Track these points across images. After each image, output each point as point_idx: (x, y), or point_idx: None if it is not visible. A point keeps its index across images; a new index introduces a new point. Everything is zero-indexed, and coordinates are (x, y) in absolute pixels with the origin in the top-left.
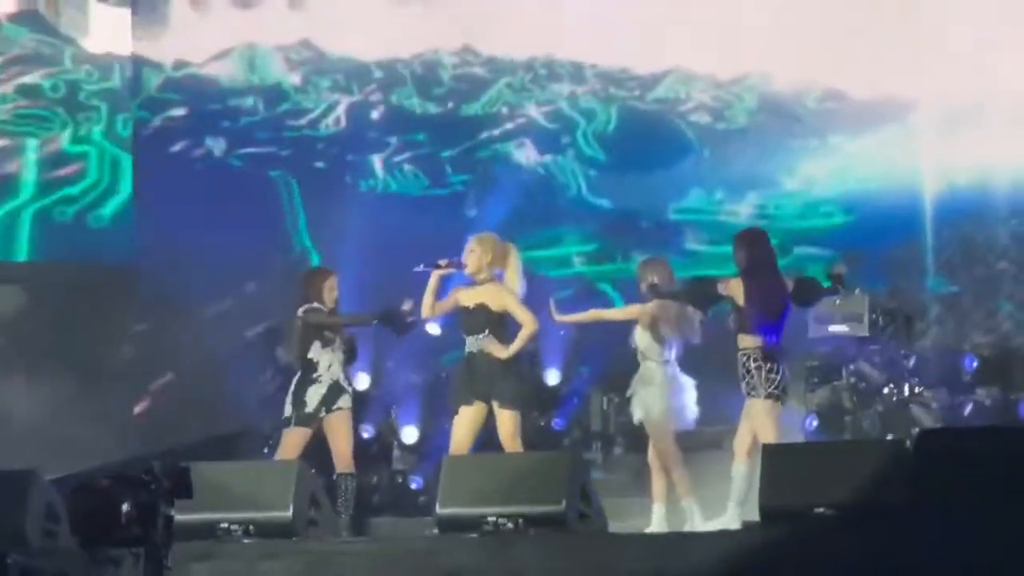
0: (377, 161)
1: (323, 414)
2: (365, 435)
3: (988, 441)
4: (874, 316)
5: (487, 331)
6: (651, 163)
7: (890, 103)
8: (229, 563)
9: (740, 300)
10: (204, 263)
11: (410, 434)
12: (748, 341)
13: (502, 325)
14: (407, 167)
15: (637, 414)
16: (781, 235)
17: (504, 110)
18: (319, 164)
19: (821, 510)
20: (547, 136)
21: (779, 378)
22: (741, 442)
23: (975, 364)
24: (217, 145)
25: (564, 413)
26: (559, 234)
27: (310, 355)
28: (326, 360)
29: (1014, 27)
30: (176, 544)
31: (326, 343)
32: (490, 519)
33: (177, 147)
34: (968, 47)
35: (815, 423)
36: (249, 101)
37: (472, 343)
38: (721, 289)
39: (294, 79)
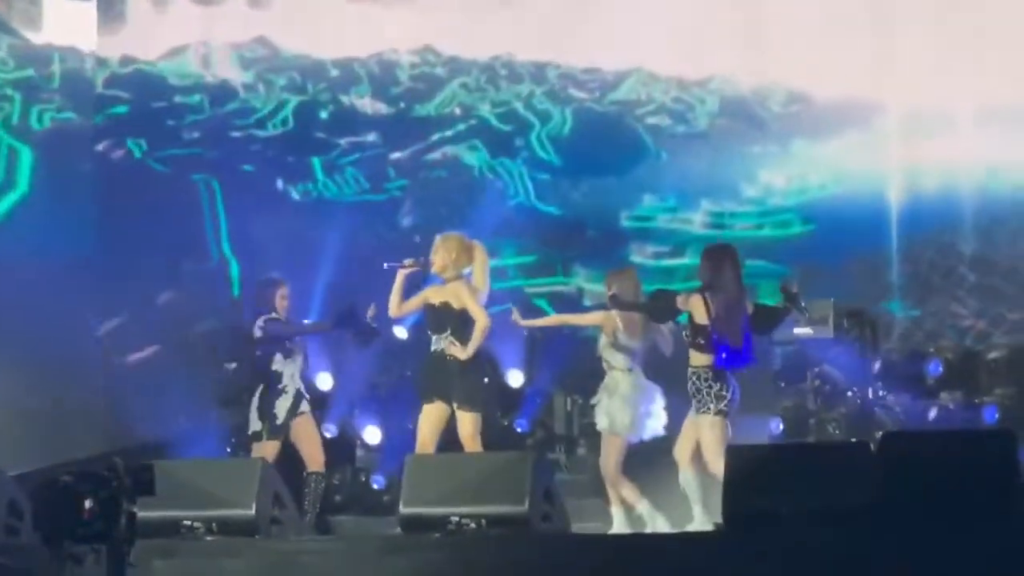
0: (321, 163)
1: (290, 422)
2: (328, 435)
3: (951, 445)
4: (839, 320)
5: (449, 330)
6: (605, 167)
7: (855, 107)
8: (191, 560)
9: (697, 316)
10: (109, 271)
11: (372, 434)
12: (700, 359)
13: (465, 324)
14: (350, 170)
15: (602, 422)
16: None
17: (457, 111)
18: (247, 167)
19: (785, 512)
20: (499, 138)
21: (729, 396)
22: (682, 452)
23: (940, 369)
24: (139, 146)
25: (527, 414)
26: (496, 244)
27: (274, 367)
28: (289, 370)
29: (976, 32)
30: (138, 541)
31: (287, 354)
32: (453, 519)
33: (102, 145)
34: (933, 51)
35: (781, 426)
36: (196, 99)
37: (436, 341)
38: (681, 303)
39: (246, 77)
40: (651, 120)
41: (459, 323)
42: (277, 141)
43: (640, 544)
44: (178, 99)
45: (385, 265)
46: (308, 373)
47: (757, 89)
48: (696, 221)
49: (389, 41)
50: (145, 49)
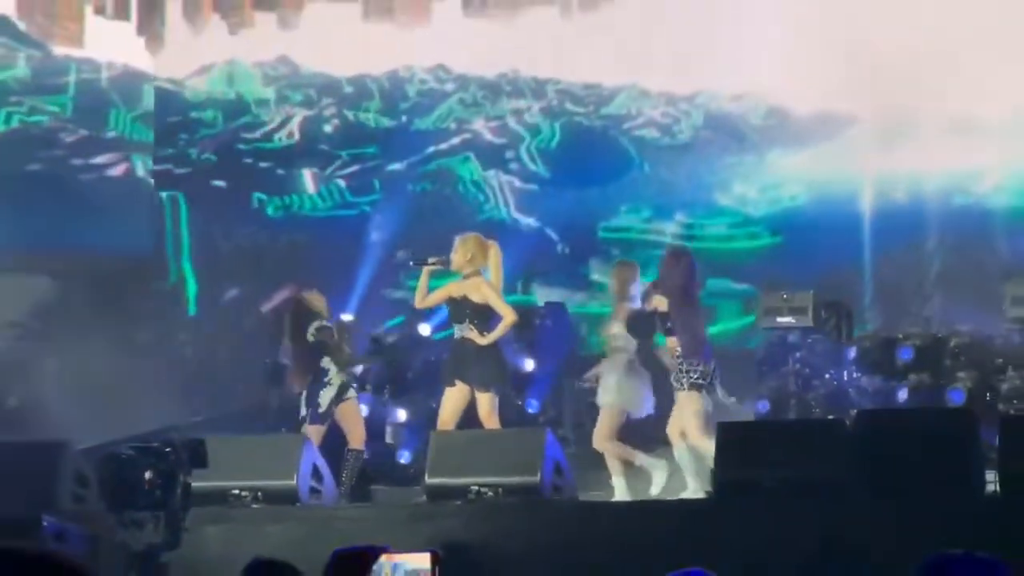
0: (309, 175)
1: (334, 408)
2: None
3: (919, 422)
4: (818, 310)
5: (468, 320)
6: (589, 178)
7: (829, 119)
8: (239, 526)
9: (662, 307)
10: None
11: (400, 414)
12: (671, 343)
13: (483, 315)
14: (340, 182)
15: (604, 397)
16: (703, 259)
17: (452, 125)
18: (218, 183)
19: (769, 483)
20: (491, 151)
21: (701, 369)
22: (673, 429)
23: (910, 355)
24: (143, 163)
25: (538, 395)
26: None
27: (322, 364)
28: (335, 367)
29: (948, 40)
30: (193, 508)
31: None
32: (473, 488)
33: (104, 158)
34: (905, 60)
35: (768, 406)
36: (209, 114)
37: (458, 331)
38: (647, 297)
39: (266, 93)
40: (638, 133)
41: (477, 314)
42: (279, 154)
43: (639, 510)
44: (193, 115)
45: (411, 262)
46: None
47: (739, 103)
48: (668, 232)
49: (403, 58)
50: (176, 68)
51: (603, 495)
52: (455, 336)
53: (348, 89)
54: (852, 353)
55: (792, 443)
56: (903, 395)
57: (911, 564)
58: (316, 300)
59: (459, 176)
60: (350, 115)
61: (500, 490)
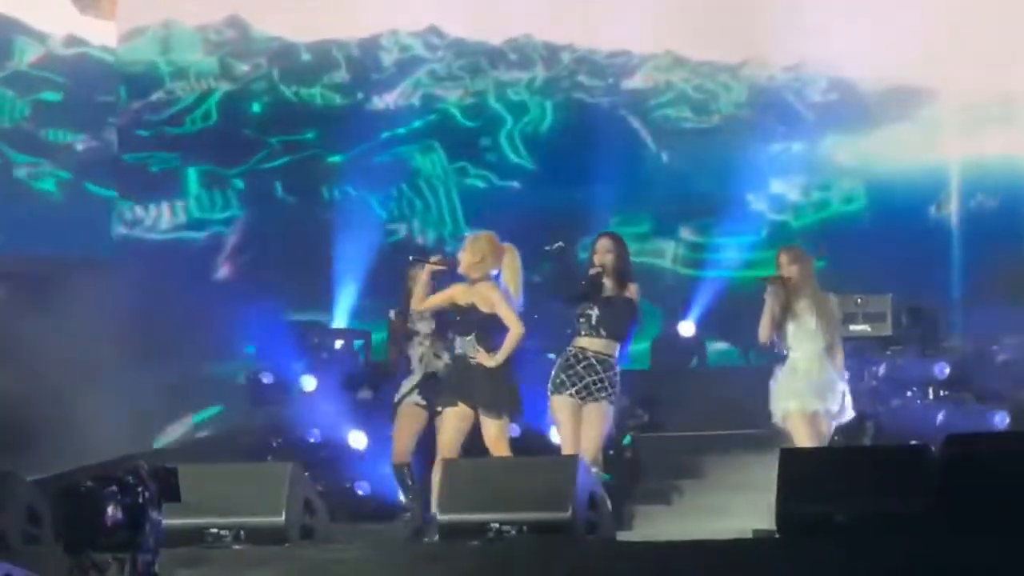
0: (199, 175)
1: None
2: (312, 440)
3: (1018, 448)
4: (898, 316)
5: (474, 333)
6: (585, 174)
7: (904, 95)
8: (218, 570)
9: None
10: None
11: (357, 439)
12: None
13: (490, 327)
14: (239, 183)
15: None
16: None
17: (416, 103)
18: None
19: (840, 518)
20: (463, 136)
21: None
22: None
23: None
24: None
25: None
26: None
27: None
28: (417, 352)
29: None
30: (163, 550)
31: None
32: (492, 526)
33: None
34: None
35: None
36: (123, 90)
37: (460, 344)
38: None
39: (203, 62)
40: (663, 112)
41: (485, 327)
42: (190, 140)
43: (687, 551)
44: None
45: (410, 257)
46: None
47: (794, 74)
48: (668, 256)
49: (390, 20)
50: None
51: (645, 533)
52: (457, 351)
53: (305, 57)
54: (943, 369)
55: (868, 472)
56: (1001, 419)
57: None
58: None
59: (417, 169)
60: (288, 91)
61: (524, 528)
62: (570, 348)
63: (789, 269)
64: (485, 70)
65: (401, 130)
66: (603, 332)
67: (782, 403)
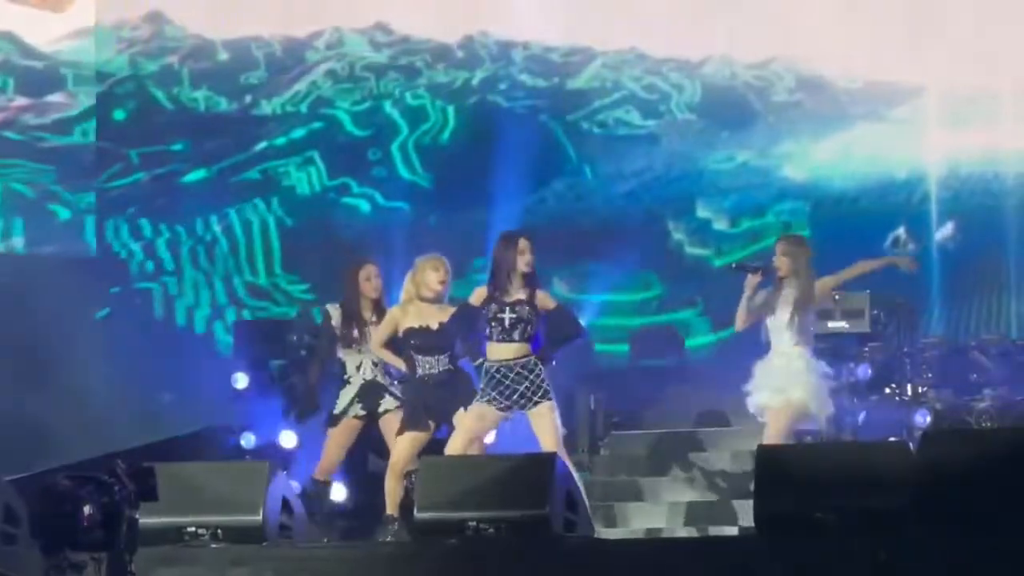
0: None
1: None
2: (244, 444)
3: (997, 444)
4: (875, 312)
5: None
6: (481, 194)
7: (877, 92)
8: (196, 569)
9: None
10: None
11: (288, 439)
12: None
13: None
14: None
15: None
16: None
17: (304, 109)
18: None
19: (820, 516)
20: (348, 148)
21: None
22: None
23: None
24: None
25: None
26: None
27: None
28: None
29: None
30: (140, 549)
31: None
32: (470, 524)
33: None
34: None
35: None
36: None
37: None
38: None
39: (112, 62)
40: (606, 116)
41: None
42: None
43: (665, 549)
44: None
45: (732, 266)
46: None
47: (760, 72)
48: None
49: (335, 17)
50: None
51: (624, 531)
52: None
53: (223, 56)
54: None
55: (846, 469)
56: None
57: None
58: None
59: (286, 188)
60: (160, 94)
61: (502, 525)
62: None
63: (780, 260)
64: (419, 70)
65: (280, 140)
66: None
67: (758, 396)
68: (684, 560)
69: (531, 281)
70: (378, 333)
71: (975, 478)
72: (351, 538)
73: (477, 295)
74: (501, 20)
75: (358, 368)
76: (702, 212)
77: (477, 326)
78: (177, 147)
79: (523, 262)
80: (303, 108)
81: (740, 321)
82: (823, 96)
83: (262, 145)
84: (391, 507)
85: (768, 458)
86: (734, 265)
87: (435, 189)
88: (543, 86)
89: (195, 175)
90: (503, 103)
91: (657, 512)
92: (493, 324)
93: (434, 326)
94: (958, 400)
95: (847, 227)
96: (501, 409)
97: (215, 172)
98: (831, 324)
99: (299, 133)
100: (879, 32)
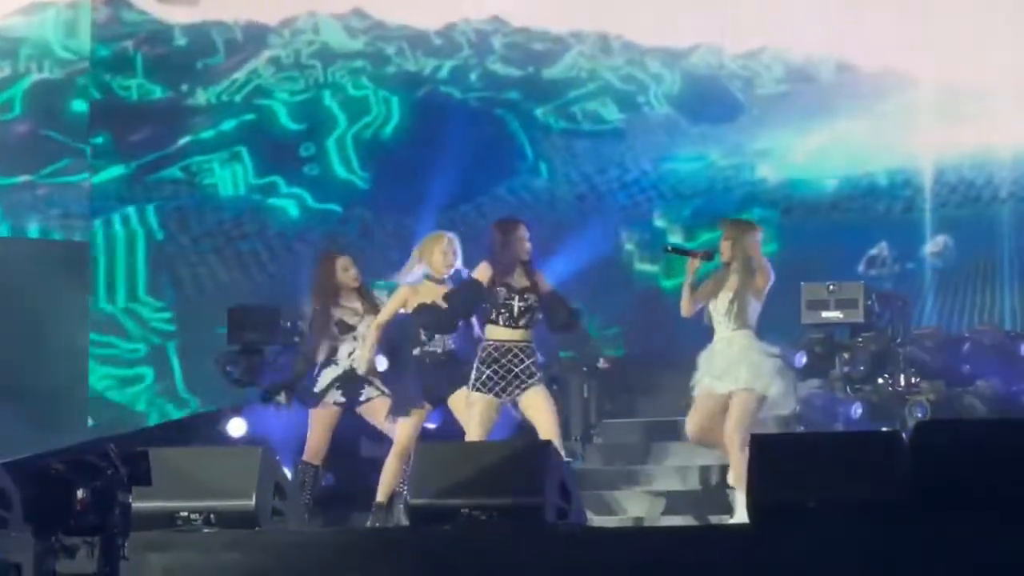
0: None
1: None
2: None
3: (991, 434)
4: (869, 302)
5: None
6: (428, 193)
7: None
8: (188, 554)
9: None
10: None
11: (237, 427)
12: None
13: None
14: None
15: None
16: None
17: (238, 99)
18: None
19: (813, 505)
20: (280, 143)
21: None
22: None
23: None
24: None
25: None
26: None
27: None
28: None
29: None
30: (133, 533)
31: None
32: (464, 511)
33: None
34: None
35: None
36: None
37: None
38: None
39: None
40: (579, 107)
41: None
42: None
43: (659, 538)
44: None
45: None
46: None
47: (746, 63)
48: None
49: (312, 1)
50: None
51: (616, 519)
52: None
53: (180, 41)
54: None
55: (840, 458)
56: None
57: None
58: None
59: (207, 187)
60: (97, 82)
61: (496, 513)
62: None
63: (722, 244)
64: (388, 57)
65: (207, 133)
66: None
67: (701, 384)
68: (677, 549)
69: (532, 267)
70: (385, 309)
71: (968, 468)
72: (341, 524)
73: (481, 271)
74: (486, 5)
75: (349, 355)
76: (659, 221)
77: (480, 305)
78: (99, 140)
79: (524, 249)
80: (237, 98)
81: (685, 306)
82: (811, 88)
83: (186, 139)
84: (383, 494)
85: (762, 446)
86: (669, 248)
87: (372, 189)
88: (516, 76)
89: (106, 174)
90: (457, 95)
91: (649, 501)
92: (502, 310)
93: (444, 304)
94: (951, 391)
95: (821, 239)
96: (495, 393)
97: (133, 168)
98: (825, 314)
99: (229, 125)
100: (874, 21)
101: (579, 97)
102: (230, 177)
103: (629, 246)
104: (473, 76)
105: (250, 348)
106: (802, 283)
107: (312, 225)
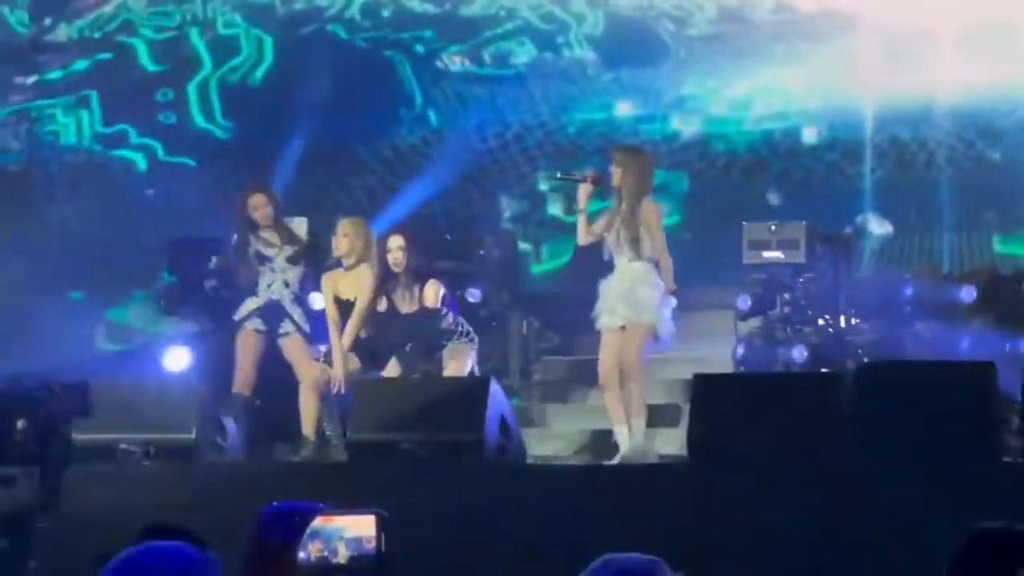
0: None
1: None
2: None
3: (931, 375)
4: (812, 242)
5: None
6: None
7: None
8: (128, 486)
9: None
10: None
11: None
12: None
13: None
14: None
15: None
16: None
17: (98, 35)
18: None
19: (750, 445)
20: (136, 86)
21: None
22: None
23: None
24: None
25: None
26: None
27: None
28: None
29: None
30: (73, 464)
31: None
32: (403, 446)
33: None
34: None
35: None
36: None
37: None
38: None
39: None
40: (491, 51)
41: None
42: None
43: (597, 474)
44: None
45: (558, 175)
46: None
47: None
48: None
49: None
50: None
51: (554, 456)
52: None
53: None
54: (849, 292)
55: (779, 399)
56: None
57: (914, 539)
58: None
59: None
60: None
61: (435, 448)
62: None
63: (613, 171)
64: None
65: (55, 74)
66: None
67: (600, 319)
68: (615, 484)
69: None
70: (330, 309)
71: (908, 408)
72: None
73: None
74: None
75: (269, 286)
76: (544, 184)
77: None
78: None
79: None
80: (97, 34)
81: (581, 235)
82: (745, 29)
83: (33, 79)
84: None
85: (702, 386)
86: (559, 175)
87: (233, 139)
88: (432, 12)
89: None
90: (343, 35)
91: (580, 438)
92: None
93: (347, 295)
94: (891, 332)
95: (727, 211)
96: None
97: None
98: (766, 254)
99: (81, 65)
100: None
101: (494, 37)
102: (74, 124)
103: (508, 214)
104: (386, 12)
105: (186, 280)
106: (744, 223)
107: (159, 179)
